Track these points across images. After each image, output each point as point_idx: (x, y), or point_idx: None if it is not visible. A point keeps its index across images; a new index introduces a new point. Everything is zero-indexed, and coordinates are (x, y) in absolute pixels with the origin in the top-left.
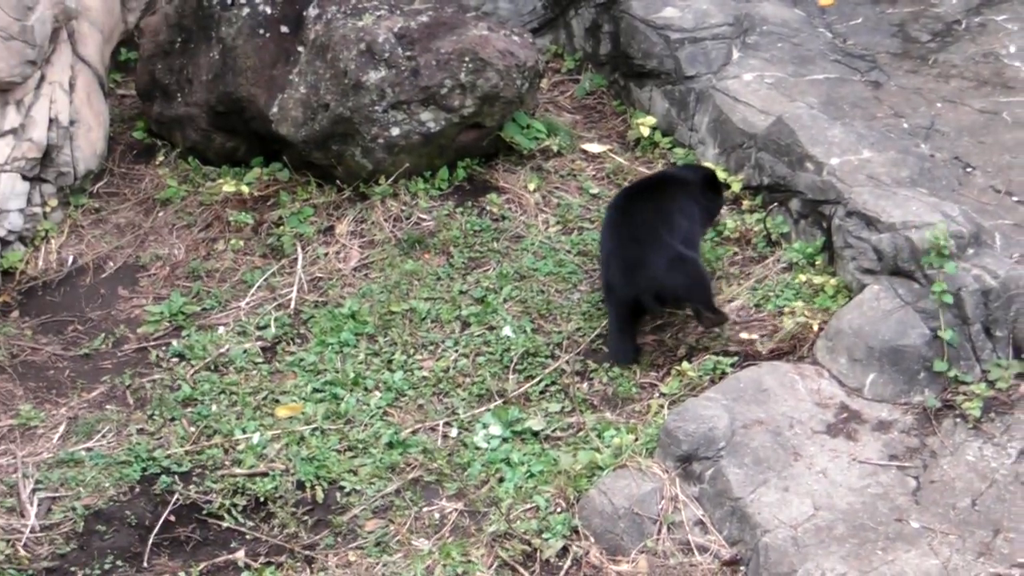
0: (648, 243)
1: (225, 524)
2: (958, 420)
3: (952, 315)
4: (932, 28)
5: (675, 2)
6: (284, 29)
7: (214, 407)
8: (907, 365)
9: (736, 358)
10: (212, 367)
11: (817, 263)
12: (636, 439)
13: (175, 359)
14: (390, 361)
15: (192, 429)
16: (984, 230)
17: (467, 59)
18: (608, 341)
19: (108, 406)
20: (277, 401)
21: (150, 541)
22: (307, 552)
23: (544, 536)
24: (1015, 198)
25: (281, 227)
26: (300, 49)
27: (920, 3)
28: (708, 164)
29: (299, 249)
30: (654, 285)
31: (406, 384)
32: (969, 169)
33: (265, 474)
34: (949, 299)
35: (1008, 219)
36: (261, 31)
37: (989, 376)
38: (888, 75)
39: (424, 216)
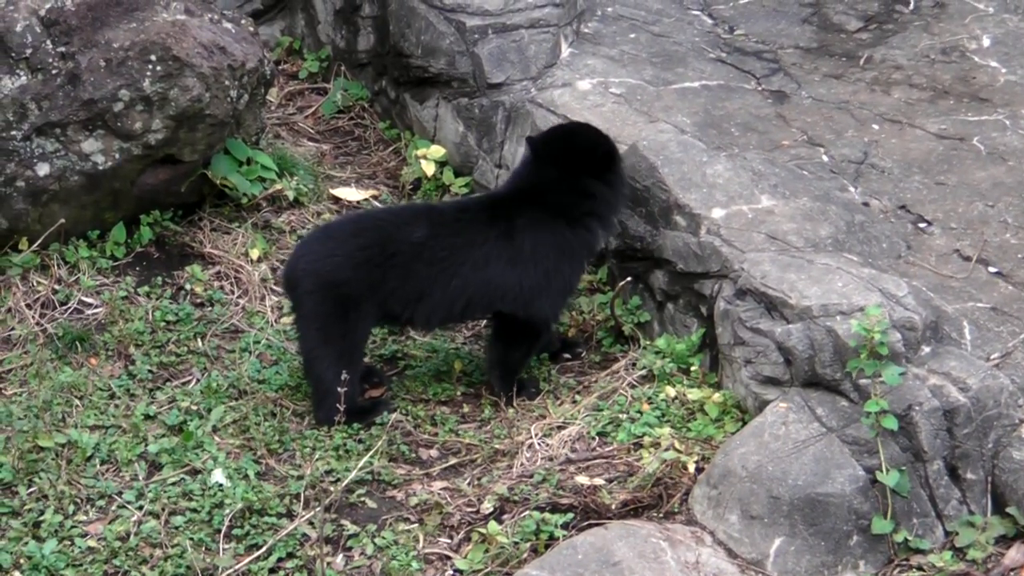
0: None
1: None
2: None
3: (899, 448)
4: (864, 10)
5: None
6: None
7: None
8: (832, 525)
9: (571, 515)
10: None
11: (693, 369)
12: None
13: None
14: (37, 524)
15: None
16: (946, 317)
17: (153, 58)
18: None
19: None
20: None
21: None
22: None
23: None
24: (992, 268)
25: None
26: None
27: None
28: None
29: None
30: None
31: (62, 560)
32: (923, 225)
33: None
34: (893, 423)
35: (983, 300)
36: None
37: (957, 541)
38: (798, 82)
39: (89, 300)
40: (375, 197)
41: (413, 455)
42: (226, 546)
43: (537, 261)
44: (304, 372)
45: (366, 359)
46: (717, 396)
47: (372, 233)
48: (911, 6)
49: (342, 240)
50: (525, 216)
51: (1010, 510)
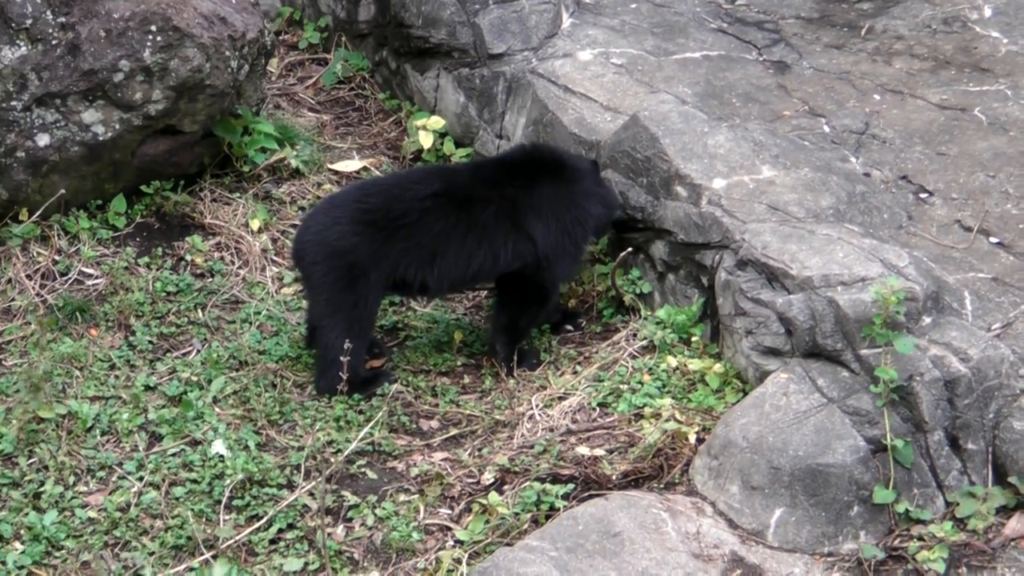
0: None
1: None
2: None
3: (900, 418)
4: None
5: None
6: None
7: None
8: (832, 495)
9: (572, 485)
10: None
11: (693, 340)
12: None
13: None
14: (37, 495)
15: None
16: (947, 288)
17: (154, 28)
18: None
19: None
20: None
21: None
22: None
23: None
24: (993, 239)
25: None
26: None
27: None
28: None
29: None
30: None
31: (63, 530)
32: (924, 195)
33: None
34: (902, 390)
35: (984, 271)
36: None
37: (958, 511)
38: (799, 52)
39: (90, 271)
40: (375, 165)
41: (414, 426)
42: (226, 517)
43: (557, 219)
44: (315, 341)
45: None
46: (718, 367)
47: (376, 198)
48: None
49: (346, 207)
50: (540, 177)
51: (1011, 480)
